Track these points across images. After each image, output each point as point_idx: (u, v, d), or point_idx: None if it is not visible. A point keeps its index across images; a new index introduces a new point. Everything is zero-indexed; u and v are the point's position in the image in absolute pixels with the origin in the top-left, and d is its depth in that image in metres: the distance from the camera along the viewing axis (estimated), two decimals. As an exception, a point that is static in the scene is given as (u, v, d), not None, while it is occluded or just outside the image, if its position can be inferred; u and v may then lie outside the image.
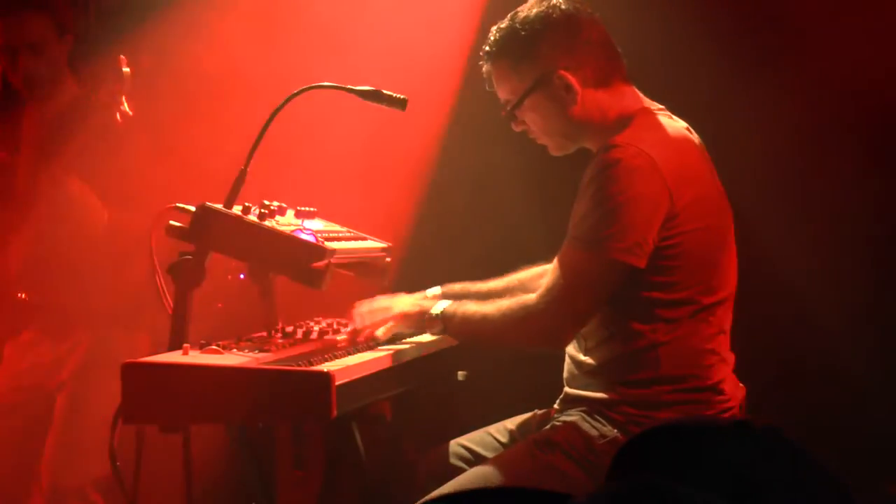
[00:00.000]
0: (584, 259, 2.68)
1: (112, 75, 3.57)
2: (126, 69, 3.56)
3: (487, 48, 2.91)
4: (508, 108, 2.92)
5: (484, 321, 2.80)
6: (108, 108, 3.60)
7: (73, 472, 3.93)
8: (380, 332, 2.93)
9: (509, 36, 2.87)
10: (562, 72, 2.83)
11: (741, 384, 2.90)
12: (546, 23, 2.84)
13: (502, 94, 2.93)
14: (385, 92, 3.05)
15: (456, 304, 2.86)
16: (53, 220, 3.91)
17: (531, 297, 2.74)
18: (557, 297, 2.69)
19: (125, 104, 3.59)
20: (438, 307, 2.86)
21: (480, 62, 2.95)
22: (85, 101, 3.83)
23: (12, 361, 4.07)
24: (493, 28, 2.91)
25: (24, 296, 4.03)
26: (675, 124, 2.91)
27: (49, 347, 4.03)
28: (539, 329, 2.71)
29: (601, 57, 2.87)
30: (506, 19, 2.90)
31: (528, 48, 2.84)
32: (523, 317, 2.73)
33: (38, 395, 4.03)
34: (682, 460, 1.15)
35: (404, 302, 2.97)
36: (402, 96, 3.06)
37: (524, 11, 2.88)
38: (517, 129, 2.97)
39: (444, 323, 2.85)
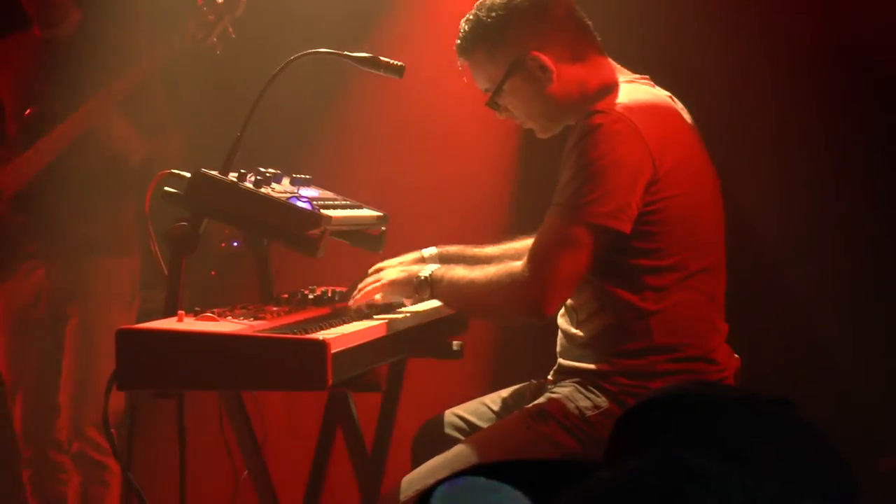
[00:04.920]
0: (567, 225, 2.67)
1: None
2: None
3: (459, 42, 2.91)
4: (489, 98, 2.91)
5: (471, 286, 2.79)
6: (212, 29, 3.63)
7: (91, 405, 3.94)
8: (377, 297, 2.94)
9: (477, 27, 2.86)
10: (534, 52, 2.83)
11: (735, 355, 2.90)
12: (510, 7, 2.83)
13: (480, 84, 2.93)
14: (382, 59, 3.04)
15: (444, 268, 2.86)
16: (73, 146, 3.94)
17: (517, 265, 2.73)
18: (542, 264, 2.67)
19: (230, 28, 3.62)
20: (426, 270, 2.86)
21: (456, 56, 2.94)
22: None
23: (16, 288, 4.07)
24: (462, 21, 2.91)
25: (18, 218, 4.03)
26: (657, 92, 2.91)
27: (56, 274, 4.03)
28: (524, 297, 2.70)
29: (572, 32, 2.87)
30: (472, 11, 2.90)
31: (498, 35, 2.84)
32: (508, 284, 2.71)
33: (48, 323, 4.04)
34: (686, 433, 1.14)
35: (393, 270, 2.96)
36: (399, 63, 3.05)
37: (488, 0, 2.87)
38: (501, 116, 2.97)
39: (431, 286, 2.84)
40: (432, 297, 2.88)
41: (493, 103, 2.92)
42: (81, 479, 4.01)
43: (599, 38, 2.92)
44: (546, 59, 2.83)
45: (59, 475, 4.05)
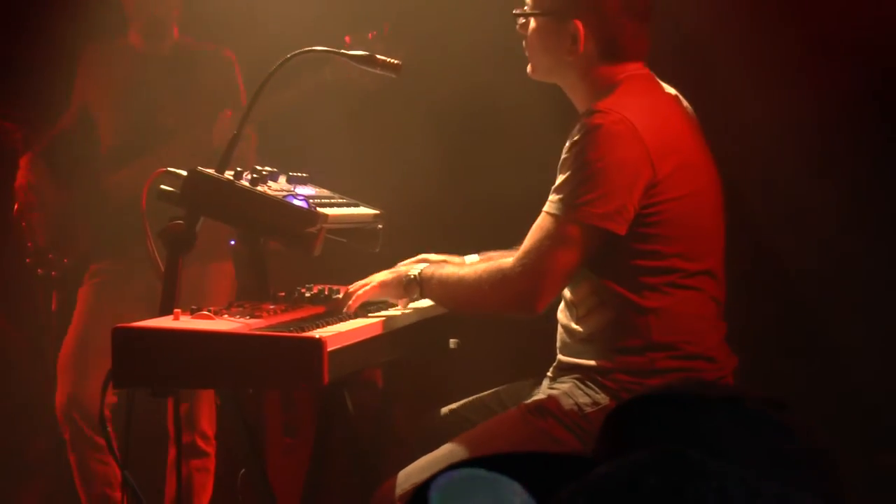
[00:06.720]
0: (561, 224, 2.67)
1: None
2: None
3: None
4: (519, 13, 2.90)
5: (460, 284, 2.79)
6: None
7: (204, 400, 4.06)
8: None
9: None
10: (577, 21, 2.80)
11: (734, 354, 2.90)
12: None
13: None
14: (379, 57, 3.03)
15: (434, 267, 2.86)
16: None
17: (508, 261, 2.73)
18: (534, 261, 2.67)
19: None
20: (415, 269, 2.86)
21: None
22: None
23: (118, 291, 4.12)
24: None
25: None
26: (662, 91, 2.89)
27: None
28: (514, 293, 2.70)
29: (624, 35, 2.83)
30: None
31: None
32: (500, 280, 2.71)
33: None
34: (672, 430, 1.14)
35: (382, 273, 2.96)
36: (395, 61, 3.04)
37: None
38: (520, 31, 2.93)
39: (420, 285, 2.84)
40: (422, 296, 2.88)
41: (520, 19, 2.90)
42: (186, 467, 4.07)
43: (648, 45, 2.86)
44: (581, 36, 2.79)
45: (99, 455, 4.05)
